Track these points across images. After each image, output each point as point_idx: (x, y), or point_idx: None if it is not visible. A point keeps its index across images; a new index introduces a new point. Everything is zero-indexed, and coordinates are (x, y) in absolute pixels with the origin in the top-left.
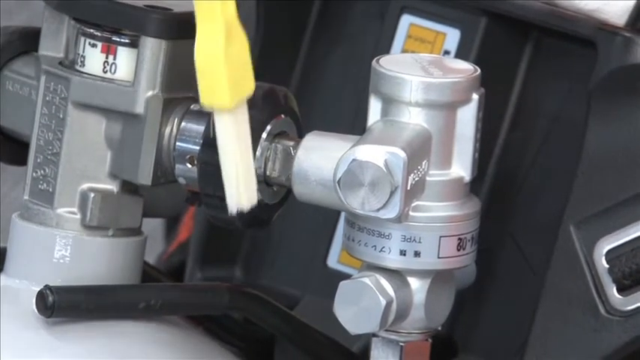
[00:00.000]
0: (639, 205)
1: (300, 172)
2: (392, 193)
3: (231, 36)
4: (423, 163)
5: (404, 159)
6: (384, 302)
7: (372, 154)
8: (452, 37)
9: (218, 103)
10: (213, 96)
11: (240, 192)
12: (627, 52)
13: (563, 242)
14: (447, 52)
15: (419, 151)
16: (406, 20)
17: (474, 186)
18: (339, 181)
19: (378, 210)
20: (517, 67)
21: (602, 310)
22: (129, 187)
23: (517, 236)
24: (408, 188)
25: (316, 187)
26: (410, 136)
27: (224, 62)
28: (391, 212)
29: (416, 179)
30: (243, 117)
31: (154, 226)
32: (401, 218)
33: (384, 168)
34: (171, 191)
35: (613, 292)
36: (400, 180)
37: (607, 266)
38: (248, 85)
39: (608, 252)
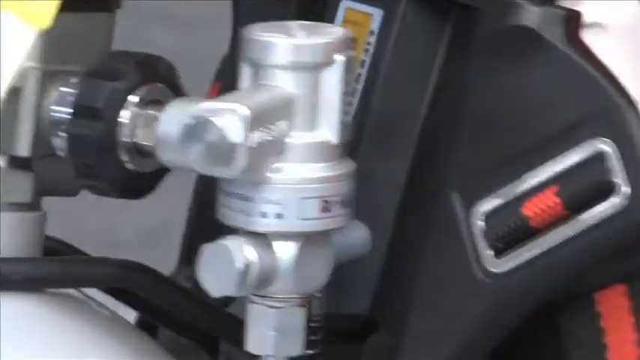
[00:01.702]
0: (515, 167)
1: (162, 135)
2: (232, 150)
3: None
4: (278, 123)
5: (243, 115)
6: (239, 265)
7: (211, 111)
8: (377, 17)
9: None
10: None
11: None
12: (507, 14)
13: (444, 205)
14: (372, 33)
15: (272, 110)
16: (343, 5)
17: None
18: (180, 141)
19: (220, 167)
20: (438, 45)
21: (478, 274)
22: (18, 163)
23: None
24: (254, 146)
25: (174, 150)
26: (264, 97)
27: None
28: (233, 169)
29: (267, 138)
30: None
31: (154, 225)
32: (252, 177)
33: (221, 125)
34: (67, 167)
35: (488, 254)
36: (241, 137)
37: (484, 229)
38: None
39: (485, 214)
